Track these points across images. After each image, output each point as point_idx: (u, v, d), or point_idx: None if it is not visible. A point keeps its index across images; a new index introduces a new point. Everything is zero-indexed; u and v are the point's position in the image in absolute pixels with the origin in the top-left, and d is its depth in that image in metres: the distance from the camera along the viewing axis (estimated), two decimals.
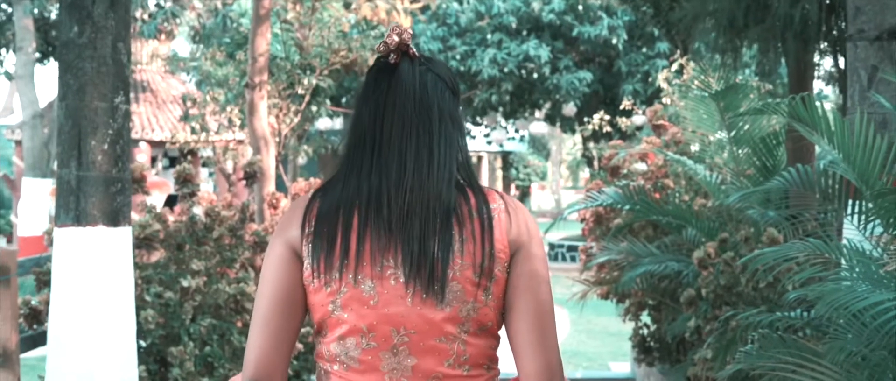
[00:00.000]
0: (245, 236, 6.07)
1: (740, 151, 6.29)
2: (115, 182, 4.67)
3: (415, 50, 1.99)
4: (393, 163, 1.91)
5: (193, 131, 13.22)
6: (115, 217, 4.67)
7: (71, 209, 4.62)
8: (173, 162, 18.05)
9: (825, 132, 3.67)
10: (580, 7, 21.15)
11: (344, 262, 1.87)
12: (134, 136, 18.88)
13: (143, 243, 5.68)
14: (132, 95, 19.98)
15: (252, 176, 6.19)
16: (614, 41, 20.86)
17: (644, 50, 21.59)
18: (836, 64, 5.97)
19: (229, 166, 12.16)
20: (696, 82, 6.42)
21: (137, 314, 5.56)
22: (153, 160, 18.89)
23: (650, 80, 21.12)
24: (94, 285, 4.65)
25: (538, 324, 1.91)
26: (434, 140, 1.92)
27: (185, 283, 5.56)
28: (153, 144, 18.68)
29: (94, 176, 4.61)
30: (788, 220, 5.69)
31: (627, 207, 6.43)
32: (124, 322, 4.75)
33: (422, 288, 1.85)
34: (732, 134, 6.12)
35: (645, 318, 7.64)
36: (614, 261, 7.06)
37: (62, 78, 4.65)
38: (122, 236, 4.72)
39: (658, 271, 6.32)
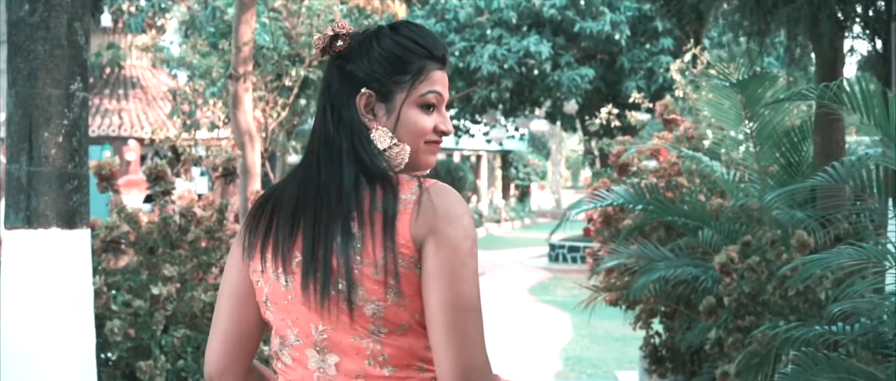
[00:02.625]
0: (224, 239, 5.56)
1: (762, 147, 5.80)
2: (72, 179, 4.17)
3: (339, 44, 1.93)
4: (310, 164, 1.92)
5: (185, 127, 12.72)
6: (70, 218, 4.17)
7: (21, 209, 4.13)
8: (169, 162, 17.54)
9: (880, 120, 3.16)
10: (582, 2, 20.72)
11: (264, 256, 1.89)
12: (123, 133, 18.46)
13: (109, 246, 5.17)
14: (121, 91, 19.67)
15: (230, 173, 5.68)
16: (617, 37, 20.45)
17: (647, 46, 21.19)
18: (874, 48, 5.50)
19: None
20: (712, 70, 5.93)
21: (103, 325, 5.08)
22: (143, 158, 18.42)
23: (654, 77, 20.72)
24: (48, 293, 4.16)
25: (449, 321, 1.76)
26: (340, 142, 1.89)
27: (155, 290, 5.06)
28: (143, 141, 18.21)
29: (46, 172, 4.11)
30: (818, 220, 5.22)
31: (640, 207, 5.93)
32: (83, 335, 4.26)
33: (318, 293, 1.81)
34: (755, 128, 5.63)
35: (656, 325, 7.14)
36: (624, 265, 6.57)
37: (11, 62, 4.15)
38: (80, 240, 4.22)
39: (673, 277, 5.83)
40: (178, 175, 13.59)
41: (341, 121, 1.89)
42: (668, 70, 20.37)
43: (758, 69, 5.51)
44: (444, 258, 1.78)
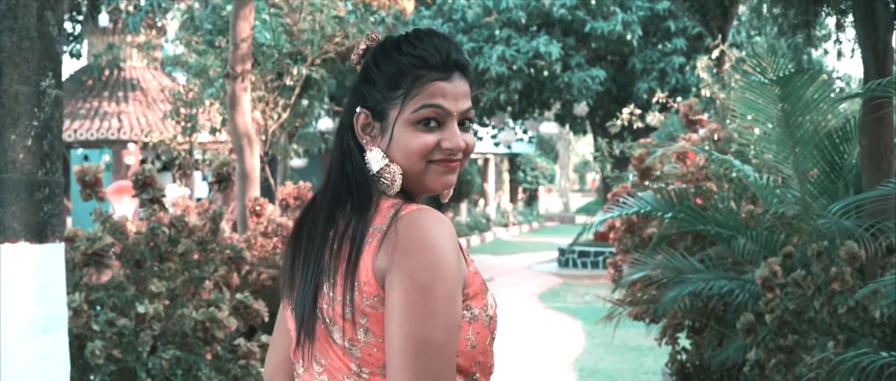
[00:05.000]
0: (217, 251, 5.12)
1: (801, 149, 5.34)
2: (42, 187, 3.74)
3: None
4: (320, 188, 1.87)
5: (184, 130, 12.30)
6: (41, 231, 3.73)
7: None
8: (166, 166, 17.20)
9: None
10: (593, 1, 20.28)
11: (284, 282, 1.84)
12: (122, 136, 18.05)
13: (91, 259, 4.73)
14: (121, 93, 19.26)
15: (225, 179, 5.24)
16: (629, 37, 20.01)
17: (660, 47, 20.77)
18: None
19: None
20: (745, 66, 5.47)
21: (83, 347, 4.65)
22: (143, 162, 18.01)
23: (666, 78, 20.31)
24: (15, 315, 3.72)
25: (398, 365, 1.62)
26: (334, 164, 1.81)
27: (141, 308, 4.62)
28: (143, 146, 17.81)
29: (14, 179, 3.69)
30: (867, 230, 4.77)
31: (669, 215, 5.47)
32: (55, 362, 3.82)
33: (307, 327, 1.75)
34: (795, 128, 5.17)
35: (682, 340, 6.67)
36: (648, 277, 6.11)
37: None
38: (52, 255, 3.79)
39: (706, 291, 5.37)
40: (174, 180, 13.17)
41: (340, 142, 1.82)
42: (680, 71, 19.94)
43: (802, 65, 5.05)
44: (398, 296, 1.64)
